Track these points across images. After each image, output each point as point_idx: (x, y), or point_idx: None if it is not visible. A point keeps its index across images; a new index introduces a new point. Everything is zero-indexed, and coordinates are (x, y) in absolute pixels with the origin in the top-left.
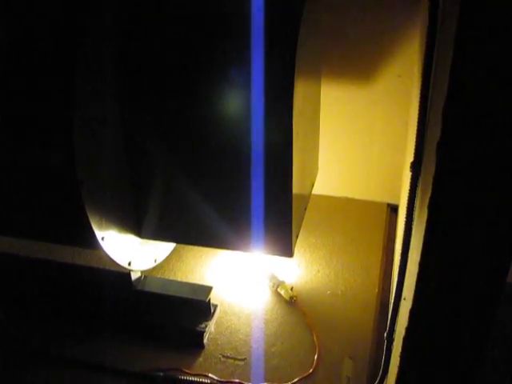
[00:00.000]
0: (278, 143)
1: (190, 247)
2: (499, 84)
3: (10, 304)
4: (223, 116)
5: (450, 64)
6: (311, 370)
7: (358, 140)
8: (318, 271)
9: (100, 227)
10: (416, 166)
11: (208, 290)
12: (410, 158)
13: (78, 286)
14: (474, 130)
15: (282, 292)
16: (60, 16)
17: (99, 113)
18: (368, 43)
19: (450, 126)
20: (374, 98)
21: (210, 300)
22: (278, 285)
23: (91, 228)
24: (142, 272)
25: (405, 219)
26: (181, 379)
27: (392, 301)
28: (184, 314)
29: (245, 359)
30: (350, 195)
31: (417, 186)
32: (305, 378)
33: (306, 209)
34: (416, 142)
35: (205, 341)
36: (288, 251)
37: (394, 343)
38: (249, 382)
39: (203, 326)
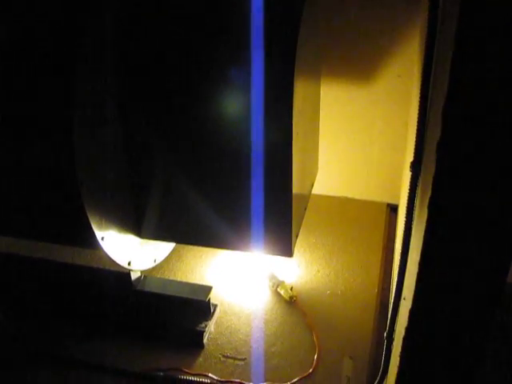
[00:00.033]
0: (278, 143)
1: (190, 247)
2: (499, 84)
3: (9, 304)
4: (223, 116)
5: (450, 64)
6: (311, 370)
7: (357, 140)
8: (318, 271)
9: (100, 227)
10: (416, 166)
11: (208, 289)
12: (409, 157)
13: (78, 285)
14: (473, 130)
15: (282, 292)
16: (60, 16)
17: (99, 113)
18: (368, 43)
19: (450, 126)
20: (373, 98)
21: (209, 300)
22: (277, 285)
23: (91, 228)
24: (141, 272)
25: (405, 219)
26: (181, 379)
27: (392, 301)
28: (184, 313)
29: (245, 359)
30: (349, 195)
31: (417, 185)
32: (305, 377)
33: (305, 209)
34: (416, 141)
35: (205, 341)
36: (288, 251)
37: (394, 343)
38: (249, 381)
39: (203, 325)
